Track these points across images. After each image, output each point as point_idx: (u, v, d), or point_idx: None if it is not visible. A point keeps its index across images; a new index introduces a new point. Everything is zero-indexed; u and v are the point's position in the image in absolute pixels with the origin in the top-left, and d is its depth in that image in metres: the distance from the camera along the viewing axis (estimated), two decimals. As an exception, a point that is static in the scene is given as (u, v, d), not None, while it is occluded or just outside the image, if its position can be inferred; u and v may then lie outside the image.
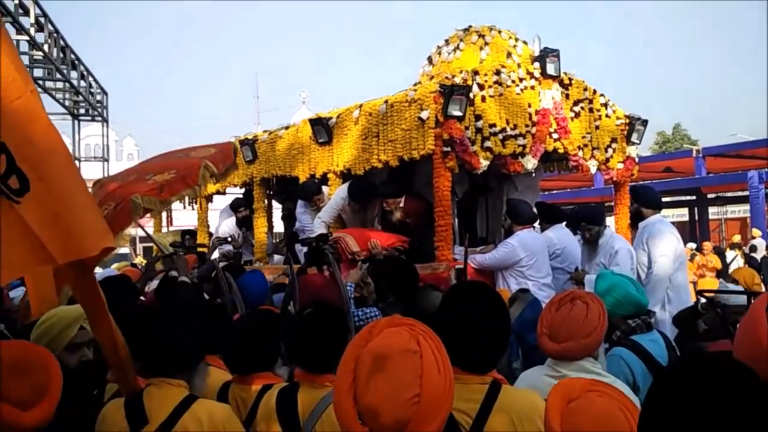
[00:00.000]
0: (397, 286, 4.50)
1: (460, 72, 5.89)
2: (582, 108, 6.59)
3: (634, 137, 6.97)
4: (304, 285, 4.48)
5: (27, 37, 9.83)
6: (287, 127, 7.32)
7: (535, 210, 6.26)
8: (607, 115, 6.79)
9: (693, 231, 19.37)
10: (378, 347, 1.57)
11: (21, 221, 2.01)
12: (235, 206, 8.26)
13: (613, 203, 7.41)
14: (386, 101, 5.93)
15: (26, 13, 9.74)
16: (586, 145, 6.61)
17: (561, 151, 6.48)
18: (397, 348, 1.55)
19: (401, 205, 6.13)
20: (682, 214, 22.04)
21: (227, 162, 4.91)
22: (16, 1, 9.29)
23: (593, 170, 6.82)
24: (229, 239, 8.15)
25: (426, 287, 3.98)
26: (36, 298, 3.59)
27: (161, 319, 2.50)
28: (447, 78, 5.76)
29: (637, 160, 7.17)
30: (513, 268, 5.57)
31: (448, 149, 5.51)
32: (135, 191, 4.22)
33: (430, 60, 7.12)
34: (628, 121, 6.95)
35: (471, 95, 5.63)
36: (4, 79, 2.01)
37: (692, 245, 14.35)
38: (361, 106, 6.21)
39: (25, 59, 10.72)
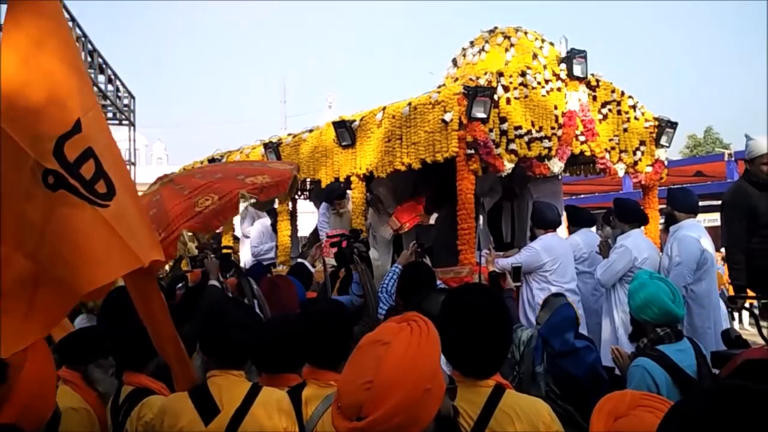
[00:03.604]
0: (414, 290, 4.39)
1: (485, 74, 5.82)
2: (610, 110, 6.47)
3: (663, 140, 6.83)
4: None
5: (55, 42, 9.95)
6: (311, 130, 7.30)
7: (562, 214, 6.16)
8: (635, 118, 6.66)
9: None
10: (362, 340, 1.64)
11: (107, 226, 2.08)
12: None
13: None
14: (409, 103, 5.87)
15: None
16: (613, 148, 6.49)
17: (588, 153, 6.37)
18: (370, 340, 1.61)
19: None
20: (714, 218, 21.61)
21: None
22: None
23: (621, 173, 6.69)
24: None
25: (433, 292, 3.90)
26: None
27: (234, 314, 2.62)
28: (471, 80, 5.69)
29: (666, 163, 7.03)
30: (536, 273, 5.48)
31: (472, 152, 5.44)
32: (237, 187, 4.35)
33: (454, 62, 7.06)
34: (657, 123, 6.82)
35: (496, 97, 5.55)
36: (80, 90, 2.12)
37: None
38: (384, 108, 6.16)
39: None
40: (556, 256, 5.44)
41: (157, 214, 4.23)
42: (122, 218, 2.11)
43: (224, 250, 7.31)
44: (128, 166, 16.32)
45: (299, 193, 8.54)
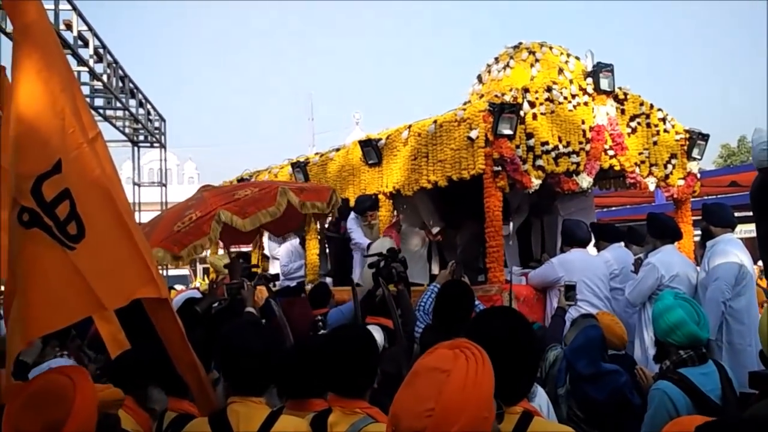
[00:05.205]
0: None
1: (510, 90, 5.79)
2: (639, 123, 6.39)
3: (695, 153, 6.73)
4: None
5: (87, 69, 10.16)
6: (338, 149, 7.35)
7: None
8: (665, 131, 6.57)
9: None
10: (417, 365, 1.67)
11: (73, 268, 2.11)
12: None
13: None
14: (435, 121, 5.87)
15: (86, 44, 10.03)
16: (643, 162, 6.40)
17: (617, 168, 6.30)
18: (428, 367, 1.63)
19: None
20: (750, 229, 21.17)
21: None
22: (75, 34, 9.60)
23: (652, 187, 6.61)
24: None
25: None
26: (108, 339, 3.63)
27: (252, 341, 2.59)
28: (497, 96, 5.66)
29: (698, 176, 6.92)
30: (554, 288, 5.39)
31: (499, 168, 5.40)
32: (279, 184, 4.80)
33: (479, 78, 7.04)
34: (688, 136, 6.72)
35: (522, 113, 5.52)
36: (63, 131, 2.15)
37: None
38: (410, 126, 6.17)
39: (86, 89, 11.05)
40: (572, 273, 5.29)
41: (196, 204, 4.45)
42: (90, 261, 2.13)
43: (253, 269, 7.35)
44: (159, 187, 16.70)
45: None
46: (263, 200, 4.44)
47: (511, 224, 6.79)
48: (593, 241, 6.13)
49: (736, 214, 5.64)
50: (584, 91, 6.01)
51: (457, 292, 4.21)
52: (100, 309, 2.23)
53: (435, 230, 6.77)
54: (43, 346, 3.91)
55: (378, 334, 4.10)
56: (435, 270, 7.19)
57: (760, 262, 13.63)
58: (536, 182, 5.55)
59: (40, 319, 2.10)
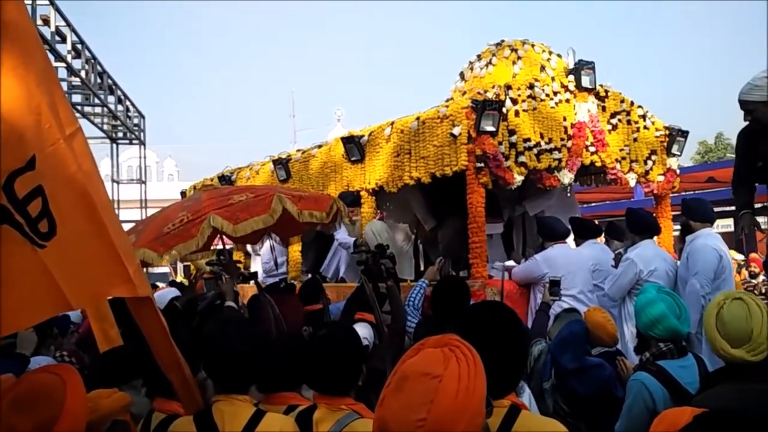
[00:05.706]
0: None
1: (493, 87, 5.81)
2: (619, 120, 6.45)
3: (674, 149, 6.80)
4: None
5: (64, 64, 10.02)
6: (320, 146, 7.33)
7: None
8: (645, 127, 6.63)
9: (739, 241, 18.76)
10: (406, 367, 1.57)
11: (42, 267, 2.06)
12: None
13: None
14: (418, 118, 5.88)
15: (63, 40, 9.90)
16: (624, 158, 6.46)
17: (598, 164, 6.35)
18: (418, 371, 1.54)
19: None
20: (727, 224, 21.44)
21: None
22: (53, 29, 9.48)
23: (632, 183, 6.67)
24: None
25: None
26: (99, 335, 3.60)
27: (236, 339, 2.58)
28: (479, 93, 5.68)
29: (678, 172, 6.99)
30: (539, 284, 5.42)
31: (482, 165, 5.43)
32: (275, 191, 4.65)
33: (462, 75, 7.06)
34: (667, 132, 6.79)
35: (504, 110, 5.54)
36: (37, 126, 2.09)
37: (740, 257, 13.89)
38: (392, 123, 6.17)
39: (63, 86, 10.89)
40: (557, 268, 5.31)
41: (191, 205, 4.46)
42: (60, 259, 2.10)
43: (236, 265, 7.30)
44: (138, 184, 16.57)
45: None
46: (257, 206, 4.40)
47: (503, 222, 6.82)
48: (572, 235, 6.19)
49: (714, 209, 5.72)
50: (566, 89, 6.05)
51: (452, 288, 4.24)
52: (68, 308, 2.18)
53: (429, 226, 6.77)
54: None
55: (367, 331, 4.12)
56: (422, 266, 7.23)
57: (738, 257, 13.77)
58: (519, 178, 5.59)
59: (7, 317, 2.05)
